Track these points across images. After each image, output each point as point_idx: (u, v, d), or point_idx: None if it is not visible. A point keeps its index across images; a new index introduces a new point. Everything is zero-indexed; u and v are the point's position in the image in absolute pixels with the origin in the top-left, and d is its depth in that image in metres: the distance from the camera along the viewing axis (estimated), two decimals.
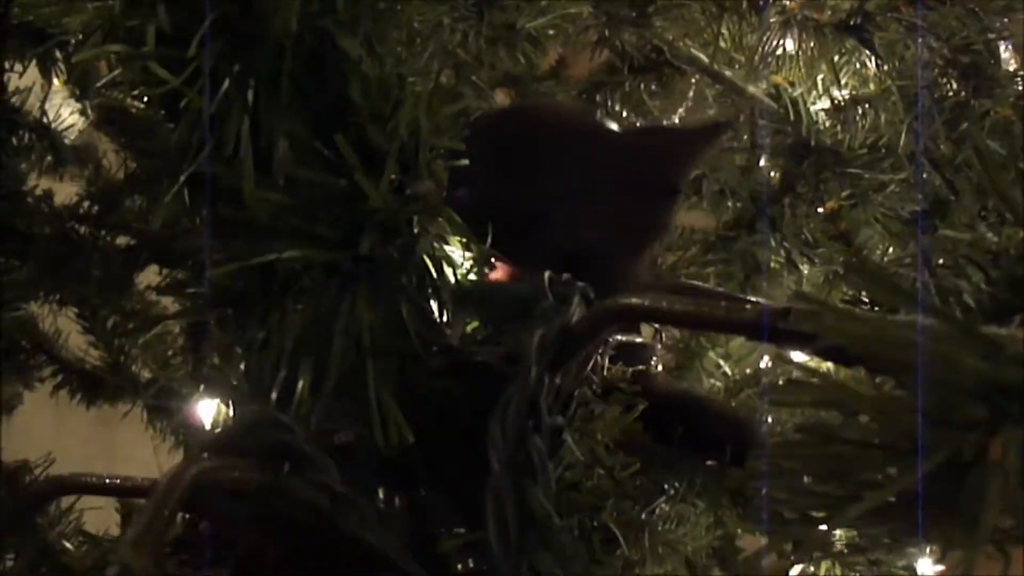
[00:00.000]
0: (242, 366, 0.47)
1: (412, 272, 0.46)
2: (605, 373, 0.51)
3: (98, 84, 1.03)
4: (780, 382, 0.35)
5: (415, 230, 0.47)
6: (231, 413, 0.43)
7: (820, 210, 0.94)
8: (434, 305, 0.47)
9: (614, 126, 0.77)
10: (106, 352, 1.20)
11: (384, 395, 0.44)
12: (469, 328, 0.47)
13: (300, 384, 0.44)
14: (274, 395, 0.44)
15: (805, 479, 0.38)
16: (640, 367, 0.56)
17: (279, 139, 0.46)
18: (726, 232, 1.00)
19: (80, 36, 0.53)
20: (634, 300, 0.40)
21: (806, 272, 0.95)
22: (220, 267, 0.46)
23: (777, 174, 1.00)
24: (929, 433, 0.35)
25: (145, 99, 0.54)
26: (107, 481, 0.51)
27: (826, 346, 0.37)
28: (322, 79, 0.47)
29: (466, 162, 0.48)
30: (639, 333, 0.68)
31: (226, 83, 0.46)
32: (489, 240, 0.49)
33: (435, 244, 0.47)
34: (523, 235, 0.54)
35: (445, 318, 0.47)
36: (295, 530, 0.40)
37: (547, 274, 0.48)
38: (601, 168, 0.66)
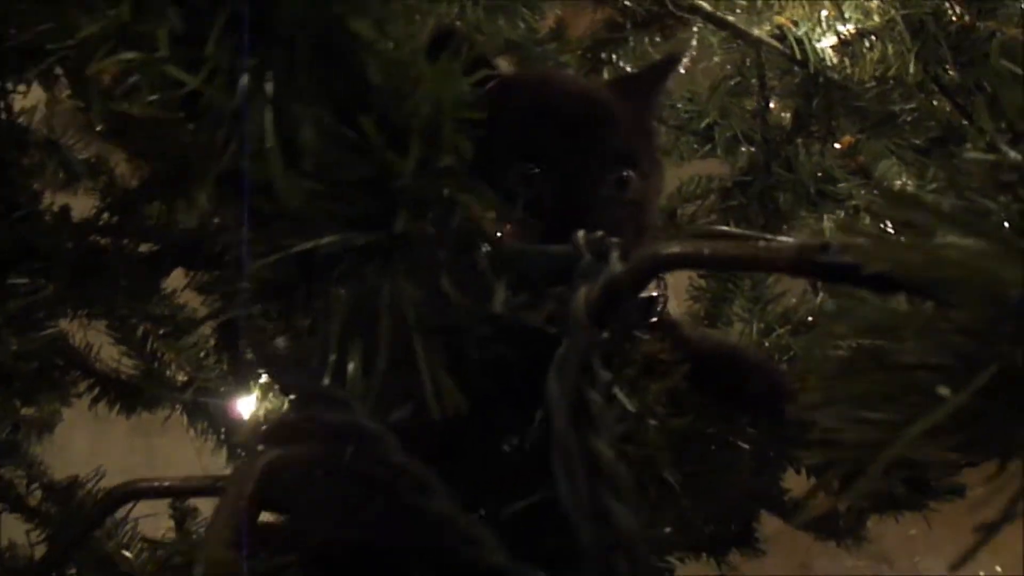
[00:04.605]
0: (290, 354, 0.48)
1: (448, 245, 0.47)
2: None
3: (106, 94, 1.03)
4: (829, 310, 0.36)
5: (446, 204, 0.47)
6: (287, 400, 0.43)
7: (836, 146, 0.94)
8: (473, 275, 0.47)
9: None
10: (140, 360, 1.21)
11: (435, 368, 0.44)
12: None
13: (351, 366, 0.44)
14: (327, 379, 0.44)
15: (857, 406, 0.39)
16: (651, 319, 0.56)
17: (304, 127, 0.46)
18: (742, 177, 1.00)
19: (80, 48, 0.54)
20: (675, 247, 0.41)
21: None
22: (261, 259, 0.47)
23: (788, 115, 1.00)
24: (978, 349, 0.36)
25: (162, 103, 0.54)
26: (166, 484, 0.52)
27: (868, 275, 0.37)
28: (339, 64, 0.48)
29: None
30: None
31: (245, 78, 0.46)
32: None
33: (467, 215, 0.47)
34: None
35: (486, 287, 0.47)
36: (363, 508, 0.41)
37: (581, 232, 0.48)
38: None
